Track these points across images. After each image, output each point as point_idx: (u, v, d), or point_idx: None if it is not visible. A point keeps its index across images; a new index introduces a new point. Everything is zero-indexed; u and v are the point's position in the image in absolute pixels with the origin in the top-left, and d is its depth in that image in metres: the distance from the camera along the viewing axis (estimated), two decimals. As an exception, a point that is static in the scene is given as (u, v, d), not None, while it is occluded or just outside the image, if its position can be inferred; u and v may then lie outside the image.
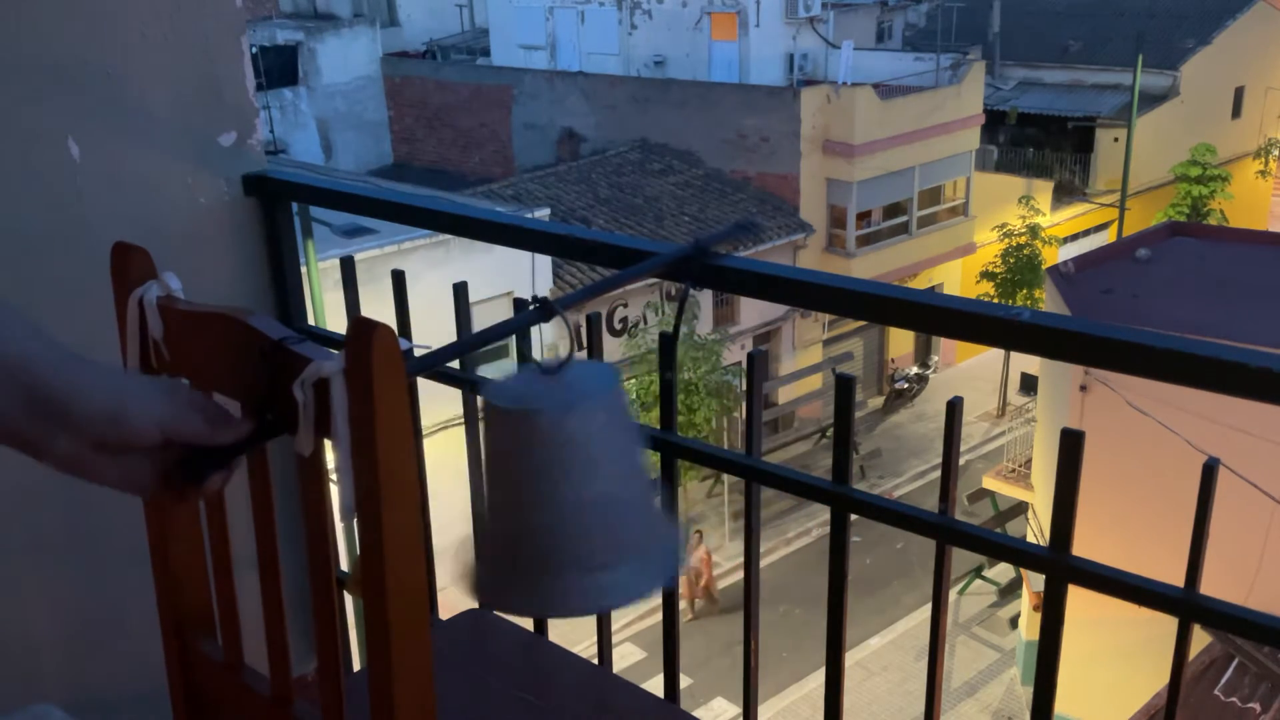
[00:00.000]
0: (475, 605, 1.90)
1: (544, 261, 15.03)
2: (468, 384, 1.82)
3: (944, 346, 22.59)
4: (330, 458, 0.93)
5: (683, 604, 14.28)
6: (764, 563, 15.41)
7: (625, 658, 13.37)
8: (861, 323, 18.63)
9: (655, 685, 1.76)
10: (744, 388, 1.96)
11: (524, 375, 1.11)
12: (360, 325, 0.85)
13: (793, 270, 1.47)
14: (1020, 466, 16.50)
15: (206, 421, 0.92)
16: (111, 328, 1.08)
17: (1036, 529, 14.59)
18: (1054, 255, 20.95)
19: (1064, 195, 24.61)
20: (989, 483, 16.72)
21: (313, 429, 0.91)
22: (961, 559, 12.14)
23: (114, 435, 0.87)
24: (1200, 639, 9.71)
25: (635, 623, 14.17)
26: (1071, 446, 1.27)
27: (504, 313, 1.27)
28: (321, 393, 0.89)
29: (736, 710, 12.30)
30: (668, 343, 1.58)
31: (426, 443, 1.98)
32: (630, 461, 1.11)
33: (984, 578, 16.44)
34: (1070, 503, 1.29)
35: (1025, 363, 20.10)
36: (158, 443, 0.89)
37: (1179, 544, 1.31)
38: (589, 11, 23.99)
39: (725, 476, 16.04)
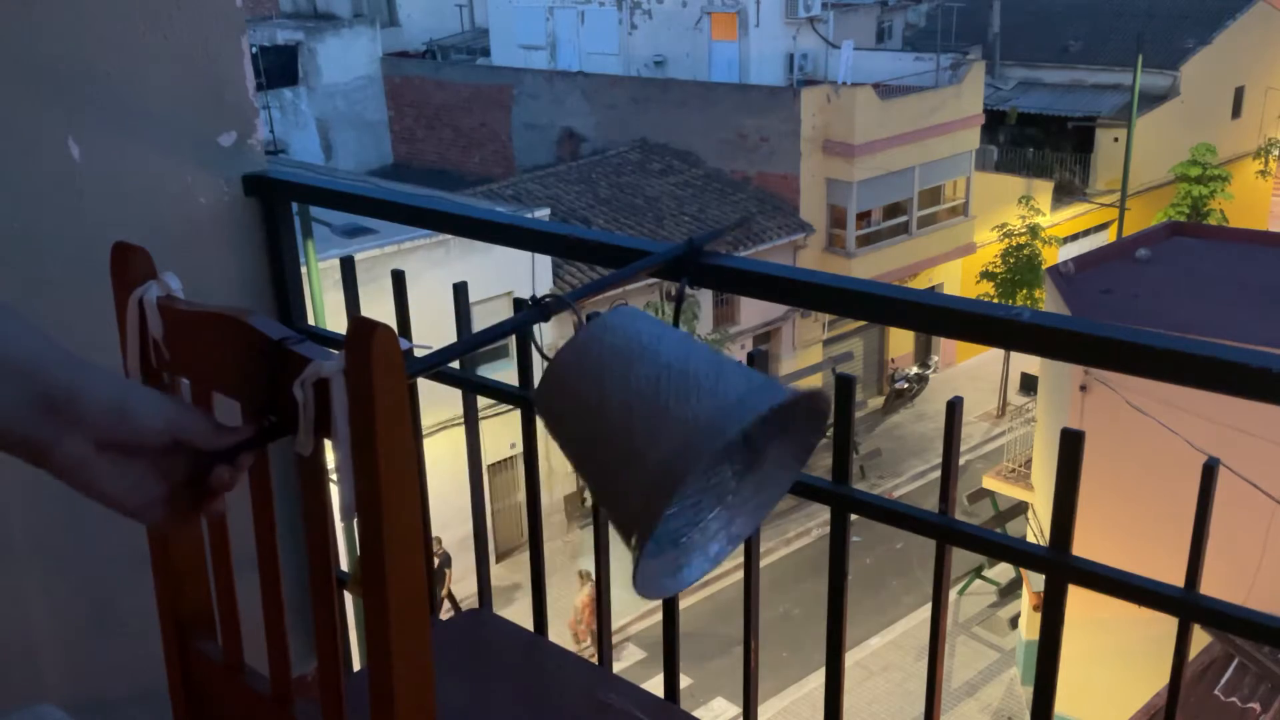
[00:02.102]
0: (475, 605, 1.91)
1: (544, 261, 15.03)
2: (468, 384, 1.82)
3: (944, 346, 22.58)
4: (330, 458, 0.93)
5: (569, 636, 14.38)
6: (764, 563, 15.39)
7: (625, 658, 13.38)
8: (861, 323, 18.62)
9: (655, 685, 1.76)
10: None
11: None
12: (360, 325, 0.85)
13: (793, 270, 1.47)
14: (1020, 466, 16.50)
15: (208, 422, 0.92)
16: (111, 328, 1.08)
17: (1036, 529, 14.59)
18: (1054, 255, 20.95)
19: (1064, 195, 24.61)
20: (989, 483, 16.72)
21: (313, 429, 0.91)
22: (961, 559, 12.14)
23: (121, 431, 0.86)
24: (1200, 639, 9.71)
25: (635, 623, 14.17)
26: (1071, 446, 1.27)
27: (504, 313, 1.27)
28: (321, 393, 0.89)
29: (736, 710, 12.29)
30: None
31: (426, 443, 1.98)
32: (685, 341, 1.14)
33: (984, 578, 16.43)
34: (1070, 503, 1.29)
35: (1025, 363, 20.10)
36: (164, 443, 0.89)
37: (1179, 544, 1.31)
38: (589, 11, 23.99)
39: (725, 476, 15.99)
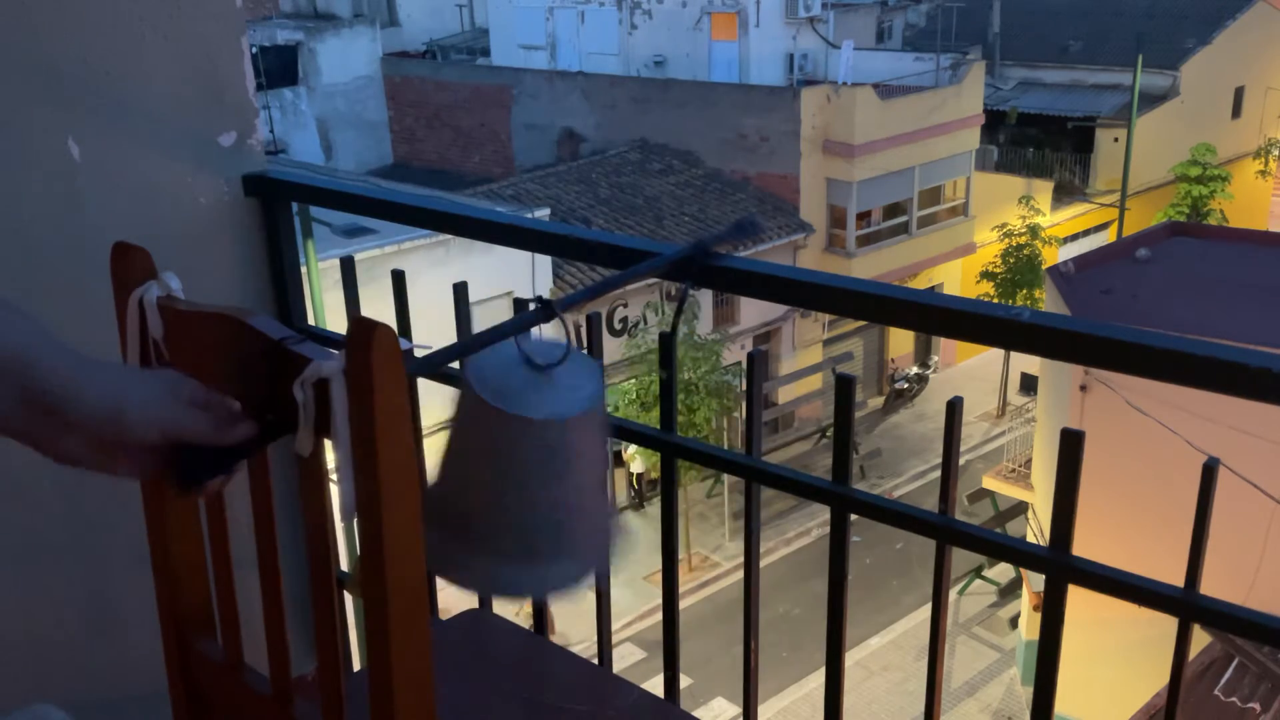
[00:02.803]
0: (475, 605, 1.90)
1: (544, 261, 15.03)
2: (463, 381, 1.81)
3: (944, 346, 22.58)
4: (330, 458, 0.93)
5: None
6: (764, 563, 15.41)
7: (625, 658, 13.37)
8: (861, 323, 18.62)
9: (655, 685, 1.76)
10: (744, 388, 1.96)
11: (512, 364, 1.10)
12: (360, 325, 0.85)
13: (793, 270, 1.47)
14: (1020, 466, 16.50)
15: (209, 422, 0.91)
16: (111, 328, 1.08)
17: (1036, 529, 14.58)
18: (1054, 255, 20.95)
19: (1064, 195, 24.61)
20: (989, 483, 16.72)
21: (313, 429, 0.91)
22: (961, 559, 12.14)
23: (114, 432, 0.87)
24: (1200, 639, 9.71)
25: (635, 623, 14.17)
26: (1071, 446, 1.27)
27: (504, 313, 1.27)
28: (321, 393, 0.89)
29: (736, 710, 12.30)
30: (667, 343, 1.58)
31: (426, 443, 1.97)
32: (598, 467, 1.11)
33: (984, 578, 16.44)
34: (1070, 503, 1.29)
35: (1025, 363, 20.10)
36: (158, 444, 0.89)
37: (1179, 544, 1.31)
38: (589, 11, 23.98)
39: (725, 476, 16.04)
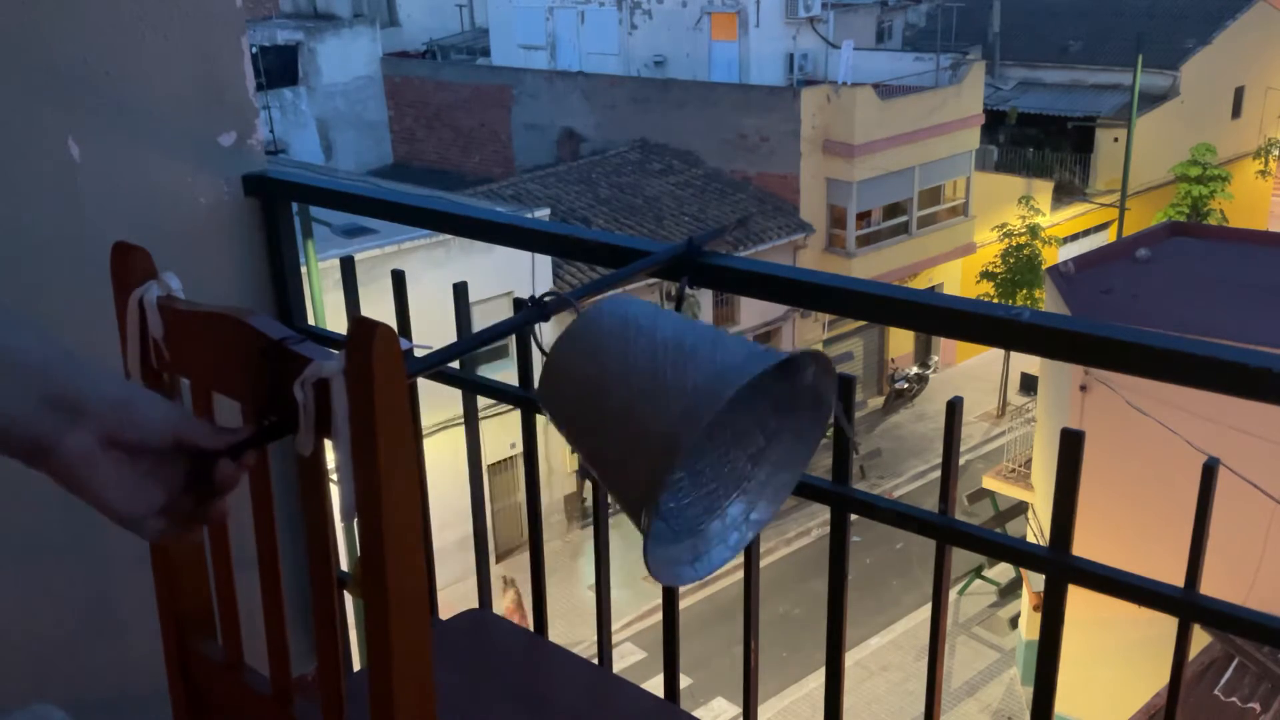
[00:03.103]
0: (475, 605, 1.90)
1: (544, 261, 15.03)
2: (468, 384, 1.82)
3: (944, 346, 22.58)
4: (330, 458, 0.93)
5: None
6: (764, 563, 15.38)
7: (625, 658, 13.37)
8: (861, 323, 18.62)
9: (655, 685, 1.76)
10: (744, 388, 1.96)
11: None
12: (361, 325, 0.85)
13: (793, 270, 1.47)
14: (1020, 466, 16.50)
15: (209, 423, 0.92)
16: (111, 328, 1.08)
17: (1036, 529, 14.58)
18: (1054, 255, 20.95)
19: (1064, 195, 24.61)
20: (989, 483, 16.71)
21: (313, 429, 0.91)
22: (961, 559, 12.14)
23: (126, 428, 0.86)
24: (1200, 639, 9.71)
25: (635, 623, 14.17)
26: (1071, 446, 1.27)
27: (504, 313, 1.27)
28: (322, 393, 0.89)
29: (736, 710, 12.30)
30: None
31: (426, 443, 1.98)
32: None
33: (984, 578, 16.43)
34: (1070, 503, 1.29)
35: (1025, 363, 20.09)
36: (167, 444, 0.88)
37: (1179, 544, 1.31)
38: (589, 11, 23.98)
39: (725, 476, 16.00)
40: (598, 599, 1.81)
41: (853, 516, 1.48)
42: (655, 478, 1.02)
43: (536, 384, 1.15)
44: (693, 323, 1.12)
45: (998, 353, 21.10)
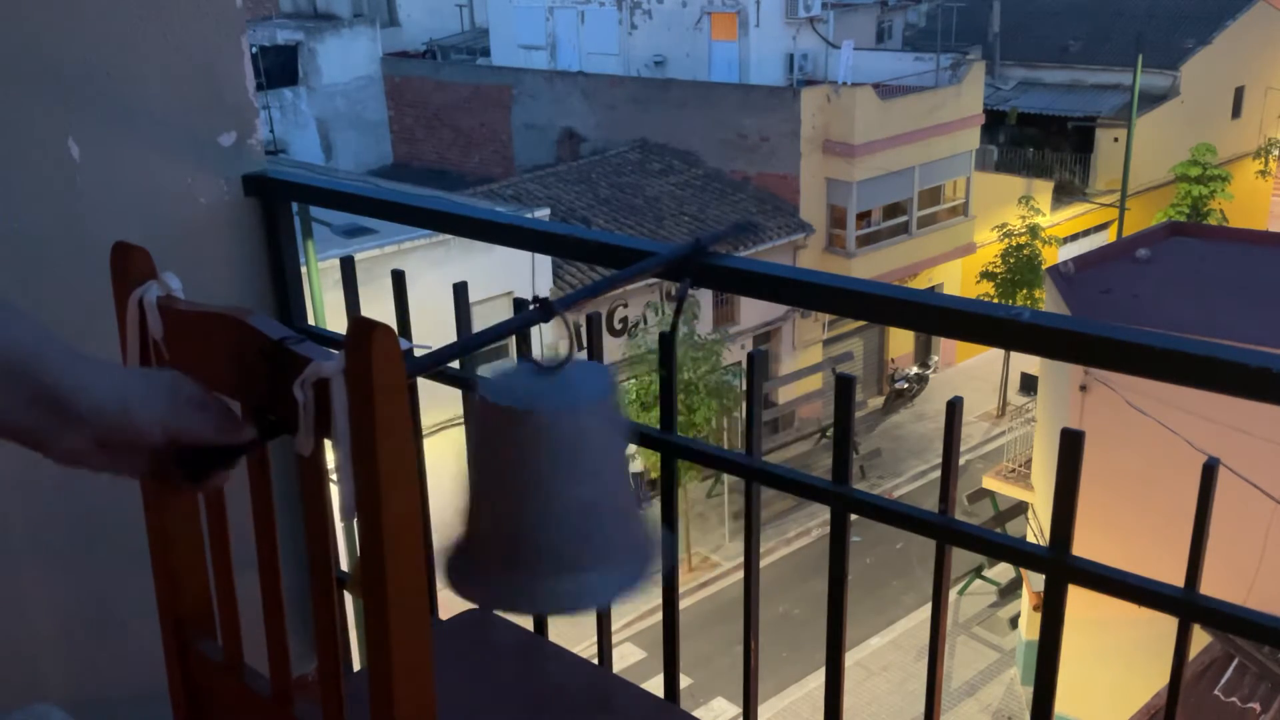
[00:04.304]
0: (475, 605, 1.90)
1: (544, 261, 15.03)
2: (468, 384, 1.82)
3: (944, 346, 22.58)
4: (330, 458, 0.93)
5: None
6: (764, 563, 15.40)
7: (625, 658, 13.37)
8: (861, 323, 18.62)
9: (655, 685, 1.76)
10: (744, 388, 1.96)
11: (521, 371, 1.11)
12: (361, 325, 0.85)
13: (793, 270, 1.47)
14: (1020, 466, 16.50)
15: (210, 421, 0.92)
16: (111, 328, 1.08)
17: (1036, 529, 14.58)
18: (1054, 255, 20.95)
19: (1064, 195, 24.60)
20: (989, 483, 16.72)
21: (313, 429, 0.91)
22: (961, 559, 12.13)
23: (120, 432, 0.87)
24: (1200, 639, 9.71)
25: (635, 623, 14.17)
26: (1071, 446, 1.27)
27: (504, 313, 1.27)
28: (322, 393, 0.89)
29: (736, 710, 12.29)
30: (667, 342, 1.58)
31: (426, 443, 1.97)
32: (618, 466, 1.11)
33: (984, 578, 16.44)
34: (1070, 503, 1.29)
35: (1025, 363, 20.09)
36: (161, 443, 0.89)
37: (1179, 544, 1.31)
38: (589, 11, 23.98)
39: (725, 476, 16.04)
40: (598, 599, 1.80)
41: (853, 516, 1.48)
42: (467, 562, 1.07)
43: (474, 399, 1.14)
44: (620, 477, 1.11)
45: (998, 353, 21.10)
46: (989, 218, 21.98)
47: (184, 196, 1.85)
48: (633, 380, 15.76)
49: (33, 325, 0.87)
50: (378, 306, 1.18)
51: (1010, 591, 16.32)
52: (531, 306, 1.19)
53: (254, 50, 6.60)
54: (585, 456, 1.06)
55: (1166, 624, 1.24)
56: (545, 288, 15.06)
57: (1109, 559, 1.27)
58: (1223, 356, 1.11)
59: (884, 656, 14.94)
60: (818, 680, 12.56)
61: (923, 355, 22.53)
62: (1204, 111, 25.52)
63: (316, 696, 1.02)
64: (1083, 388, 11.76)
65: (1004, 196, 22.27)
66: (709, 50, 22.48)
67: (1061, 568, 1.30)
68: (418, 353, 1.10)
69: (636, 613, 14.23)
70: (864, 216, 20.51)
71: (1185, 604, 1.23)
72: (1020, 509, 16.58)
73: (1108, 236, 23.78)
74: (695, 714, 1.74)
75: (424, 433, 1.94)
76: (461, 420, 1.88)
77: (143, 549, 1.14)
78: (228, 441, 0.91)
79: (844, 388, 1.43)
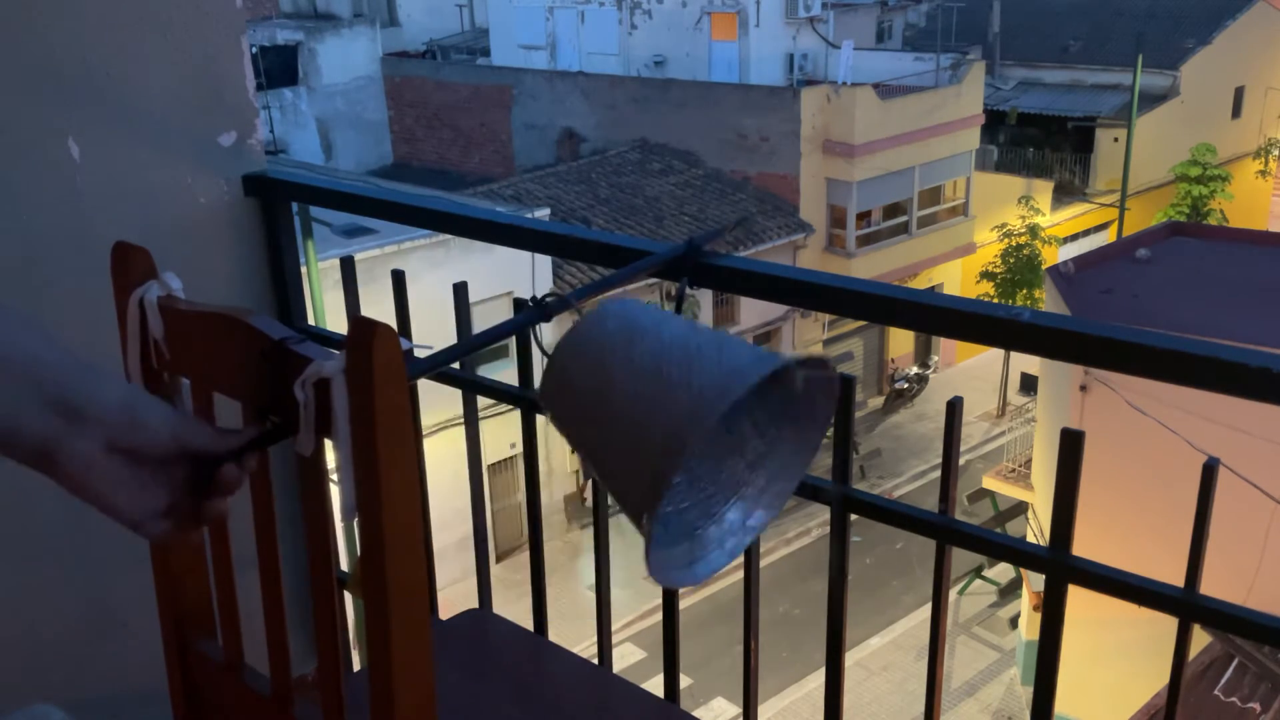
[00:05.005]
0: (475, 605, 1.90)
1: (544, 261, 15.03)
2: (468, 384, 1.82)
3: (944, 346, 22.58)
4: (330, 458, 0.93)
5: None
6: (764, 563, 15.39)
7: (625, 658, 13.37)
8: (861, 323, 18.62)
9: (655, 685, 1.76)
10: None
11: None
12: (361, 325, 0.85)
13: (793, 270, 1.47)
14: (1020, 466, 16.50)
15: (210, 430, 0.92)
16: (111, 328, 1.08)
17: (1036, 529, 14.58)
18: (1054, 255, 20.95)
19: (1064, 195, 24.61)
20: (989, 483, 16.72)
21: (313, 429, 0.91)
22: (961, 559, 12.14)
23: (130, 435, 0.86)
24: (1200, 639, 9.71)
25: (635, 623, 14.17)
26: (1071, 446, 1.27)
27: (504, 313, 1.27)
28: (322, 393, 0.89)
29: (736, 710, 12.30)
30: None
31: (426, 443, 1.98)
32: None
33: (984, 578, 16.44)
34: (1070, 503, 1.29)
35: (1025, 363, 20.09)
36: (169, 450, 0.88)
37: (1179, 544, 1.31)
38: (589, 11, 23.98)
39: (725, 476, 16.00)
40: (598, 599, 1.81)
41: (853, 516, 1.48)
42: (659, 479, 1.02)
43: (538, 384, 1.14)
44: (697, 325, 1.12)
45: (998, 353, 21.10)
46: (989, 218, 21.99)
47: (184, 196, 1.85)
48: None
49: (38, 332, 0.87)
50: (378, 306, 1.18)
51: (1010, 591, 16.33)
52: (532, 305, 1.19)
53: (254, 50, 6.61)
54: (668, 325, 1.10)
55: (1166, 624, 1.24)
56: (545, 288, 15.06)
57: (1109, 559, 1.27)
58: (1223, 356, 1.11)
59: (884, 656, 14.94)
60: (817, 680, 12.56)
61: (923, 355, 22.53)
62: (1204, 111, 25.52)
63: (316, 696, 1.02)
64: (1083, 388, 11.76)
65: (1004, 196, 22.28)
66: (709, 50, 22.48)
67: (1061, 568, 1.30)
68: (418, 353, 1.10)
69: (636, 613, 14.23)
70: (864, 216, 20.51)
71: (1185, 604, 1.23)
72: (1020, 509, 16.58)
73: (1108, 236, 23.78)
74: (695, 714, 1.74)
75: (424, 433, 1.94)
76: (462, 420, 1.89)
77: (143, 549, 1.14)
78: (231, 445, 0.91)
79: (844, 388, 1.43)
